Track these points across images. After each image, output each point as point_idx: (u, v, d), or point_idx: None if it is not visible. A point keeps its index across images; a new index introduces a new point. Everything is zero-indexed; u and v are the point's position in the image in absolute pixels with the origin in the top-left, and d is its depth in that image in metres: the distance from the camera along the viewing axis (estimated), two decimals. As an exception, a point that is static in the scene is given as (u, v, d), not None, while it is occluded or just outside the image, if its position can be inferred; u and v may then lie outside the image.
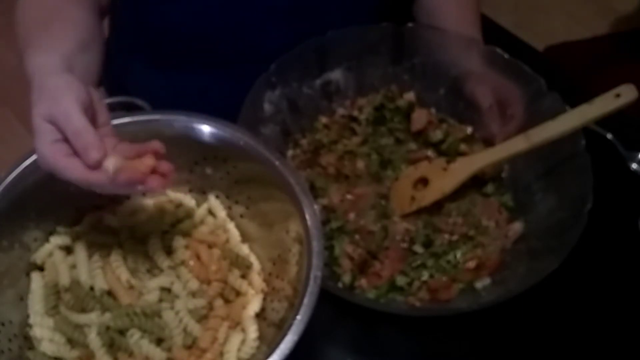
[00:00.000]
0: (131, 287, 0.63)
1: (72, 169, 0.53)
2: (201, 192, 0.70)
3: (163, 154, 0.57)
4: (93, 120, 0.56)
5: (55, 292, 0.63)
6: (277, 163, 0.62)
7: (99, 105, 0.58)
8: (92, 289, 0.63)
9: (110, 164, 0.53)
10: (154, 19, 0.83)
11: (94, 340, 0.60)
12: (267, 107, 0.77)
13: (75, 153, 0.54)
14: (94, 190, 0.55)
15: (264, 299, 0.64)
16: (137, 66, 0.91)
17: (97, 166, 0.53)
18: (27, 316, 0.62)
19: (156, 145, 0.57)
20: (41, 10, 0.67)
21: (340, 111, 0.82)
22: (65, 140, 0.54)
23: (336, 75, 0.82)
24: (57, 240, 0.65)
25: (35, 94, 0.56)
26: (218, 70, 0.87)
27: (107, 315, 0.61)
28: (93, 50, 0.67)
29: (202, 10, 0.81)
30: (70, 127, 0.53)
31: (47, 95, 0.55)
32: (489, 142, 0.79)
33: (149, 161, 0.56)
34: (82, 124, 0.53)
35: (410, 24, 0.81)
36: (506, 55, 0.78)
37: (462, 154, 0.79)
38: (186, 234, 0.67)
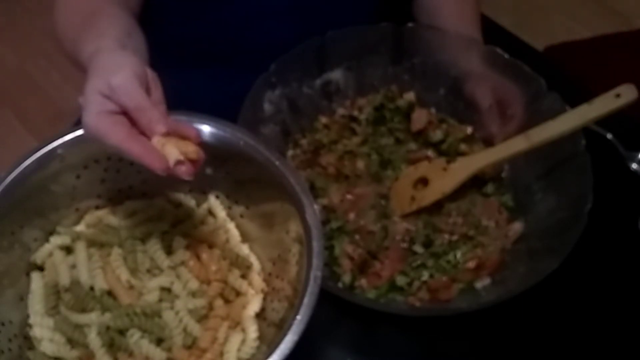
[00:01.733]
0: (131, 287, 0.63)
1: (114, 134, 0.53)
2: (201, 192, 0.70)
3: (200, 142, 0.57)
4: (147, 95, 0.56)
5: (55, 292, 0.63)
6: (277, 163, 0.62)
7: (154, 83, 0.58)
8: (92, 289, 0.63)
9: (173, 154, 0.53)
10: (155, 20, 0.83)
11: (94, 340, 0.60)
12: (267, 107, 0.77)
13: (128, 123, 0.54)
14: (126, 157, 0.55)
15: (264, 299, 0.64)
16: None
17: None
18: (27, 316, 0.62)
19: (198, 135, 0.57)
20: (80, 15, 0.68)
21: (340, 111, 0.82)
22: (116, 112, 0.54)
23: (336, 75, 0.82)
24: (57, 240, 0.65)
25: (91, 70, 0.56)
26: (218, 70, 0.87)
27: (107, 315, 0.61)
28: (138, 36, 0.67)
29: (206, 12, 0.81)
30: (131, 100, 0.54)
31: (104, 70, 0.55)
32: (489, 142, 0.79)
33: (194, 150, 0.55)
34: (143, 97, 0.54)
35: (410, 24, 0.81)
36: (506, 55, 0.78)
37: (462, 154, 0.79)
38: (186, 234, 0.67)
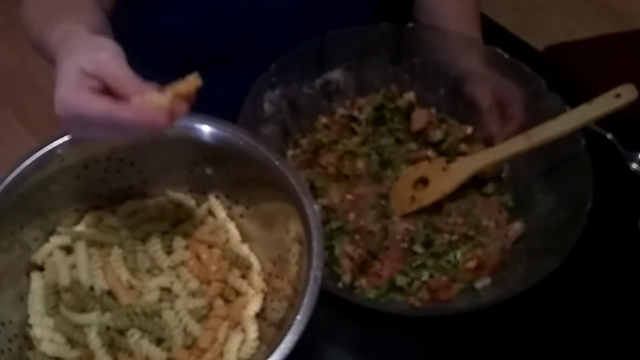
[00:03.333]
0: (131, 287, 0.63)
1: (97, 102, 0.51)
2: (201, 192, 0.70)
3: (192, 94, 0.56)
4: None
5: (55, 292, 0.63)
6: (277, 163, 0.62)
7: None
8: (92, 289, 0.63)
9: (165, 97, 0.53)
10: (154, 23, 0.83)
11: (94, 340, 0.60)
12: (267, 107, 0.77)
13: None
14: (112, 130, 0.53)
15: (264, 299, 0.64)
16: (137, 65, 0.91)
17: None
18: (27, 316, 0.62)
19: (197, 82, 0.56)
20: (52, 2, 0.66)
21: (340, 111, 0.82)
22: (96, 90, 0.52)
23: (336, 75, 0.82)
24: (57, 240, 0.65)
25: (70, 47, 0.55)
26: (219, 72, 0.87)
27: (107, 315, 0.61)
28: (110, 34, 0.67)
29: (205, 15, 0.81)
30: (119, 75, 0.52)
31: (87, 47, 0.54)
32: (489, 142, 0.79)
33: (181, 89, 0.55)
34: (130, 72, 0.53)
35: (410, 24, 0.81)
36: (506, 55, 0.78)
37: (462, 154, 0.79)
38: (186, 234, 0.67)
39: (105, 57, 0.53)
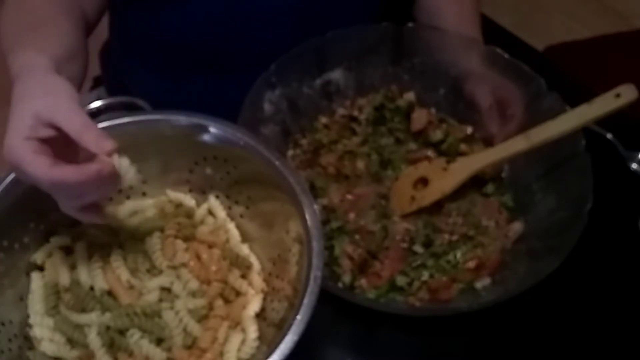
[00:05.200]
0: (131, 287, 0.63)
1: (38, 165, 0.51)
2: (201, 192, 0.70)
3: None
4: None
5: (55, 292, 0.63)
6: (277, 163, 0.62)
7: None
8: (92, 289, 0.63)
9: (123, 161, 0.54)
10: (154, 27, 0.83)
11: (94, 340, 0.60)
12: (267, 107, 0.77)
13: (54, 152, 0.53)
14: (51, 193, 0.54)
15: (264, 299, 0.64)
16: (137, 68, 0.91)
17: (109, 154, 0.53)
18: (27, 316, 0.62)
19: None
20: (30, 15, 0.65)
21: (340, 111, 0.82)
22: (44, 141, 0.52)
23: (336, 75, 0.82)
24: (57, 240, 0.65)
25: (25, 89, 0.54)
26: (220, 74, 0.87)
27: (107, 315, 0.61)
28: (78, 63, 0.65)
29: (204, 18, 0.81)
30: (76, 121, 0.52)
31: (45, 90, 0.54)
32: (489, 142, 0.79)
33: None
34: (87, 117, 0.53)
35: (410, 24, 0.81)
36: (506, 55, 0.78)
37: (462, 154, 0.79)
38: (186, 234, 0.67)
39: (61, 102, 0.53)
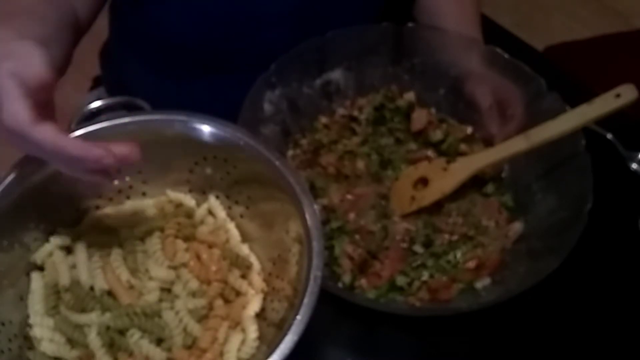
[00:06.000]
0: (131, 287, 0.63)
1: (44, 130, 0.49)
2: (201, 192, 0.70)
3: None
4: None
5: (55, 292, 0.63)
6: (277, 163, 0.62)
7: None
8: (92, 289, 0.63)
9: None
10: (155, 26, 0.84)
11: (94, 340, 0.60)
12: (267, 107, 0.77)
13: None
14: (56, 161, 0.53)
15: (264, 299, 0.64)
16: (137, 68, 0.91)
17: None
18: (27, 316, 0.62)
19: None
20: (10, 3, 0.62)
21: (340, 111, 0.82)
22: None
23: (336, 75, 0.82)
24: (57, 240, 0.65)
25: None
26: (220, 74, 0.87)
27: (107, 315, 0.61)
28: (52, 50, 0.59)
29: (204, 19, 0.81)
30: (39, 78, 0.49)
31: (10, 54, 0.51)
32: (489, 142, 0.79)
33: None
34: (46, 71, 0.50)
35: (410, 24, 0.81)
36: (506, 55, 0.78)
37: (462, 154, 0.79)
38: (186, 234, 0.67)
39: (28, 62, 0.50)
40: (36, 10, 0.62)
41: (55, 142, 0.50)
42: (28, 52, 0.51)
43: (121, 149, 0.53)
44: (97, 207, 0.68)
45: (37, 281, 0.63)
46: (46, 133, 0.50)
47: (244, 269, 0.66)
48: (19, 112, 0.49)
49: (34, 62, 0.50)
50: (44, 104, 0.51)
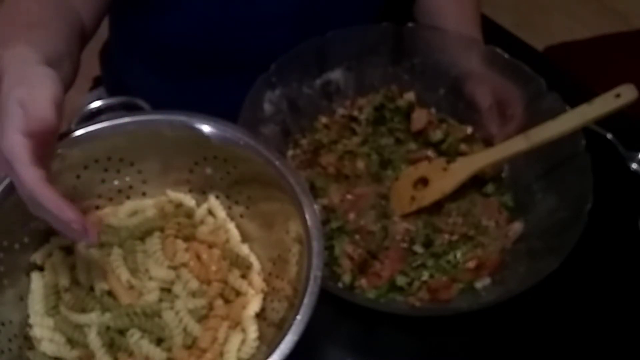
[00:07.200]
0: (131, 287, 0.63)
1: (30, 172, 0.50)
2: (201, 192, 0.70)
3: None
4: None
5: (55, 292, 0.63)
6: (277, 163, 0.62)
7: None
8: (92, 289, 0.63)
9: None
10: (155, 30, 0.84)
11: (94, 340, 0.60)
12: (267, 107, 0.77)
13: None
14: (27, 201, 0.53)
15: (264, 299, 0.64)
16: (137, 68, 0.91)
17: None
18: (27, 316, 0.62)
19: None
20: (24, 15, 0.63)
21: (340, 111, 0.82)
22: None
23: (336, 75, 0.82)
24: (57, 240, 0.65)
25: (11, 79, 0.52)
26: (220, 74, 0.87)
27: (107, 315, 0.61)
28: (67, 67, 0.62)
29: (204, 22, 0.81)
30: (37, 114, 0.50)
31: (24, 80, 0.52)
32: (489, 142, 0.79)
33: None
34: (51, 116, 0.50)
35: (410, 24, 0.81)
36: (506, 55, 0.78)
37: (462, 154, 0.79)
38: (186, 234, 0.67)
39: (34, 95, 0.50)
40: (51, 24, 0.63)
41: (35, 189, 0.50)
42: (41, 84, 0.51)
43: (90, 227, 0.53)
44: (97, 207, 0.68)
45: (37, 281, 0.63)
46: (33, 175, 0.50)
47: (244, 269, 0.66)
48: (16, 145, 0.49)
49: (42, 99, 0.50)
50: (45, 143, 0.51)
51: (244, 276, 0.66)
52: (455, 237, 0.73)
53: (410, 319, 0.70)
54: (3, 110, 0.51)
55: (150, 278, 0.64)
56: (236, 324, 0.62)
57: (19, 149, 0.50)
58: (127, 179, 0.68)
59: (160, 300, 0.63)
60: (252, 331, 0.61)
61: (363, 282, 0.70)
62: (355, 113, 0.82)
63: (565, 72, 1.01)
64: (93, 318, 0.61)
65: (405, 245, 0.72)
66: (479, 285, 0.70)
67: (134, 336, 0.60)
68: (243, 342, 0.61)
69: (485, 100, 0.79)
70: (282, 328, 0.54)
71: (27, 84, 0.51)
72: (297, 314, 0.53)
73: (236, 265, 0.66)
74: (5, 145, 0.50)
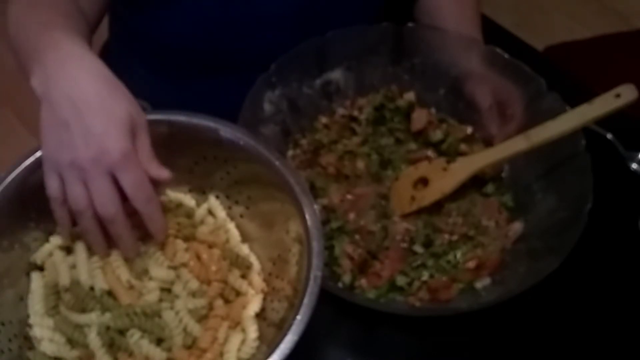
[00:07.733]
0: (131, 287, 0.63)
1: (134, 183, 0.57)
2: (201, 192, 0.70)
3: None
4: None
5: (55, 292, 0.63)
6: (277, 163, 0.62)
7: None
8: (92, 289, 0.63)
9: None
10: (154, 30, 0.83)
11: (94, 340, 0.60)
12: (267, 107, 0.77)
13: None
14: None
15: (264, 299, 0.64)
16: (137, 68, 0.91)
17: None
18: (27, 316, 0.62)
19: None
20: (38, 25, 0.64)
21: (340, 111, 0.82)
22: None
23: (336, 75, 0.82)
24: (57, 240, 0.65)
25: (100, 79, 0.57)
26: (220, 74, 0.87)
27: (107, 315, 0.61)
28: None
29: (204, 22, 0.81)
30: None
31: (132, 100, 0.57)
32: (489, 142, 0.79)
33: None
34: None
35: (410, 24, 0.81)
36: (506, 55, 0.78)
37: (462, 154, 0.79)
38: (186, 234, 0.67)
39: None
40: (75, 25, 0.66)
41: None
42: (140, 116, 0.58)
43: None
44: (97, 207, 0.68)
45: (37, 281, 0.63)
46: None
47: (244, 269, 0.66)
48: (128, 145, 0.56)
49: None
50: None
51: (244, 276, 0.66)
52: (455, 237, 0.73)
53: (410, 319, 0.70)
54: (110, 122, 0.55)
55: (150, 278, 0.64)
56: (236, 324, 0.62)
57: (133, 158, 0.57)
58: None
59: (160, 300, 0.63)
60: (252, 331, 0.61)
61: (363, 282, 0.70)
62: (355, 113, 0.82)
63: (565, 72, 1.01)
64: (93, 318, 0.61)
65: (405, 245, 0.72)
66: (479, 285, 0.70)
67: (134, 336, 0.60)
68: (243, 342, 0.61)
69: (485, 100, 0.79)
70: (282, 328, 0.54)
71: (135, 109, 0.58)
72: (297, 314, 0.53)
73: (236, 265, 0.66)
74: (121, 148, 0.55)
